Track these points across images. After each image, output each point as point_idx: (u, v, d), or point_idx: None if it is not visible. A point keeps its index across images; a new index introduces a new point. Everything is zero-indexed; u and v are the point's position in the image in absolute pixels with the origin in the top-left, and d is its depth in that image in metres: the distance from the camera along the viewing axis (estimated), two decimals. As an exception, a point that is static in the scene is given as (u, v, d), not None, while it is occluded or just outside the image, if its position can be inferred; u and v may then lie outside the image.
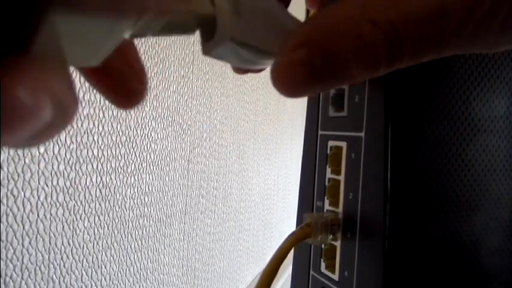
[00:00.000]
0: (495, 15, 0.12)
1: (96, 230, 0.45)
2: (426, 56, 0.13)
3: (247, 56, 0.14)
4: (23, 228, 0.36)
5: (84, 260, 0.44)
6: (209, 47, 0.14)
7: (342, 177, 0.22)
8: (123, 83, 0.14)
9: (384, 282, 0.19)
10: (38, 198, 0.37)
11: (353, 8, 0.12)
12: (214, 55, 0.14)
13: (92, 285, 0.46)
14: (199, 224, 0.72)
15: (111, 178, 0.47)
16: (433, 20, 0.12)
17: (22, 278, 0.36)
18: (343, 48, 0.12)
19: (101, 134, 0.45)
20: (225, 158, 0.81)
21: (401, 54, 0.12)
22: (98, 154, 0.44)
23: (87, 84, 0.41)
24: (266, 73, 0.15)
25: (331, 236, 0.22)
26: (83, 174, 0.42)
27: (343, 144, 0.23)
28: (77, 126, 0.41)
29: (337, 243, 0.22)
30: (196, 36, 0.68)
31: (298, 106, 1.38)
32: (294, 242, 0.20)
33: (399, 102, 0.20)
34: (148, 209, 0.55)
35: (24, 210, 0.36)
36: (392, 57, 0.12)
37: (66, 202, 0.40)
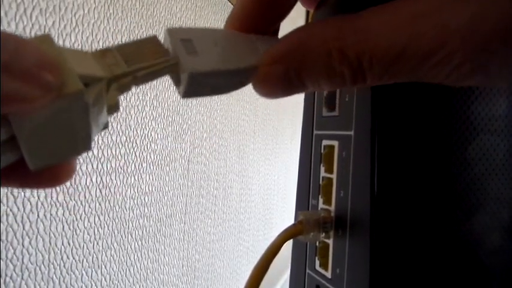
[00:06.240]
0: (445, 65, 0.13)
1: (96, 230, 0.46)
2: (388, 81, 0.15)
3: (217, 83, 0.15)
4: (23, 228, 0.36)
5: (84, 260, 0.44)
6: (180, 89, 0.15)
7: (334, 176, 0.23)
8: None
9: (372, 280, 0.19)
10: (38, 198, 0.37)
11: (327, 35, 0.14)
12: (188, 94, 0.15)
13: (92, 285, 0.46)
14: (199, 224, 0.72)
15: (111, 178, 0.47)
16: (394, 59, 0.13)
17: (22, 278, 0.36)
18: (315, 71, 0.14)
19: (100, 133, 0.45)
20: (225, 158, 0.82)
21: (364, 80, 0.15)
22: (98, 154, 0.45)
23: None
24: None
25: (323, 234, 0.22)
26: (83, 174, 0.43)
27: (335, 143, 0.23)
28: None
29: (330, 241, 0.23)
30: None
31: (299, 106, 1.38)
32: (285, 238, 0.20)
33: (388, 98, 0.20)
34: (148, 209, 0.56)
35: (24, 210, 0.36)
36: (356, 81, 0.15)
37: (66, 202, 0.41)
